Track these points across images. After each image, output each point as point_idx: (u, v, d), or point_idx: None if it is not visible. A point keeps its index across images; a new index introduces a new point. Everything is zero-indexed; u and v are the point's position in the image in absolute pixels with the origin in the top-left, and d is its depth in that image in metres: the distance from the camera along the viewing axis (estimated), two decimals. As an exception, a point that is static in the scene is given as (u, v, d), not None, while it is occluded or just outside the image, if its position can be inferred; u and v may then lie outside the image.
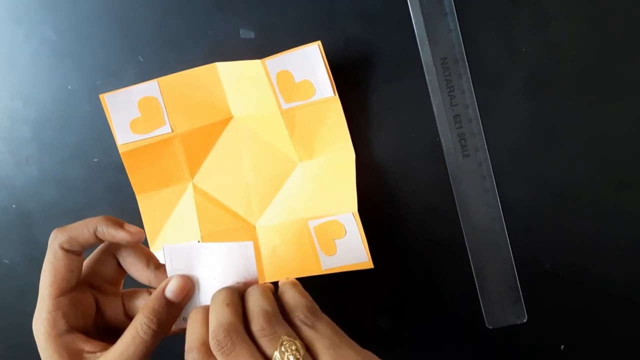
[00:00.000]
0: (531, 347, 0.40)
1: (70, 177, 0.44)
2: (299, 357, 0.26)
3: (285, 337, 0.27)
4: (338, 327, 0.29)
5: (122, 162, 0.41)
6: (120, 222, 0.33)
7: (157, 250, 0.42)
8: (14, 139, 0.44)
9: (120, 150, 0.41)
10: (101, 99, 0.40)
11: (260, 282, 0.32)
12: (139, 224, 0.42)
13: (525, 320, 0.40)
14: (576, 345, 0.40)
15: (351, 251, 0.39)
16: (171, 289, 0.31)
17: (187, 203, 0.42)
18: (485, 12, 0.38)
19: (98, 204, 0.44)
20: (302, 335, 0.28)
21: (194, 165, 0.42)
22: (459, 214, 0.40)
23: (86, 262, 0.34)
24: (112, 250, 0.34)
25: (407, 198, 0.40)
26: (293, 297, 0.30)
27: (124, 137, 0.41)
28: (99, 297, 0.34)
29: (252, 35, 0.41)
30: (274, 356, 0.26)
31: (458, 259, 0.40)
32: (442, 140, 0.40)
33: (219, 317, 0.28)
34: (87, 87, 0.43)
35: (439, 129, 0.39)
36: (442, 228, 0.40)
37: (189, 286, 0.32)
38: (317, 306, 0.30)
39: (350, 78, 0.40)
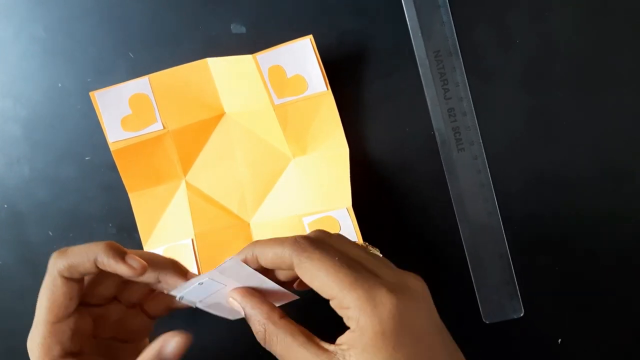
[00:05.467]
0: (528, 341, 0.40)
1: (62, 176, 0.43)
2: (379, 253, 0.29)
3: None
4: None
5: (114, 160, 0.41)
6: (123, 252, 0.30)
7: (151, 249, 0.42)
8: (4, 139, 0.43)
9: (112, 148, 0.40)
10: (91, 96, 0.40)
11: None
12: (132, 222, 0.42)
13: (522, 315, 0.39)
14: (574, 339, 0.40)
15: (346, 247, 0.39)
16: (171, 351, 0.29)
17: (180, 201, 0.42)
18: (479, 4, 0.38)
19: (91, 202, 0.43)
20: None
21: (187, 162, 0.41)
22: (455, 208, 0.39)
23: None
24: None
25: (402, 193, 0.40)
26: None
27: (115, 134, 0.40)
28: (97, 312, 0.33)
29: (243, 30, 0.40)
30: (363, 244, 0.29)
31: (454, 253, 0.40)
32: (437, 134, 0.39)
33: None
34: (78, 85, 0.42)
35: (433, 122, 0.39)
36: (438, 223, 0.40)
37: (189, 345, 0.29)
38: None
39: (342, 72, 0.39)
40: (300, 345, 0.27)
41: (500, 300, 0.40)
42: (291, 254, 0.27)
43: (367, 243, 0.30)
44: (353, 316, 0.25)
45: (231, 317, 0.31)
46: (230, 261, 0.29)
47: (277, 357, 0.27)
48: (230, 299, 0.29)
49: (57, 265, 0.30)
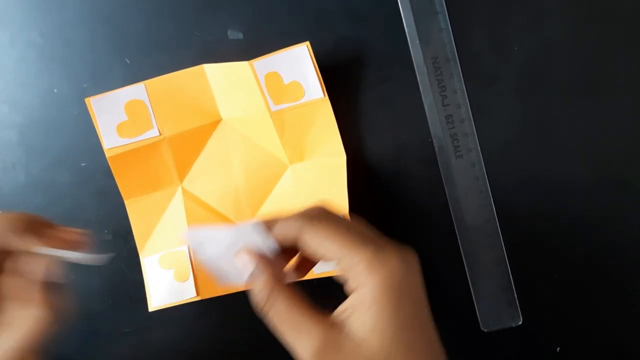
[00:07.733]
0: (526, 349, 0.40)
1: (57, 182, 0.43)
2: None
3: None
4: None
5: (110, 167, 0.41)
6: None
7: (146, 256, 0.41)
8: (0, 145, 0.43)
9: (107, 154, 0.40)
10: (87, 102, 0.39)
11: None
12: (128, 228, 0.42)
13: (520, 323, 0.39)
14: (572, 348, 0.39)
15: (343, 254, 0.38)
16: None
17: (176, 207, 0.41)
18: (477, 11, 0.38)
19: (86, 208, 0.43)
20: None
21: (183, 168, 0.41)
22: (453, 215, 0.39)
23: None
24: None
25: (400, 200, 0.40)
26: None
27: (110, 141, 0.40)
28: None
29: (240, 36, 0.40)
30: None
31: (452, 260, 0.40)
32: (435, 141, 0.39)
33: None
34: (74, 91, 0.42)
35: (431, 129, 0.39)
36: (436, 230, 0.40)
37: None
38: None
39: (340, 79, 0.39)
40: (304, 310, 0.26)
41: (499, 307, 0.39)
42: (296, 224, 0.27)
43: None
44: (363, 272, 0.25)
45: (224, 279, 0.31)
46: (248, 225, 0.28)
47: (273, 323, 0.27)
48: (239, 257, 0.29)
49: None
